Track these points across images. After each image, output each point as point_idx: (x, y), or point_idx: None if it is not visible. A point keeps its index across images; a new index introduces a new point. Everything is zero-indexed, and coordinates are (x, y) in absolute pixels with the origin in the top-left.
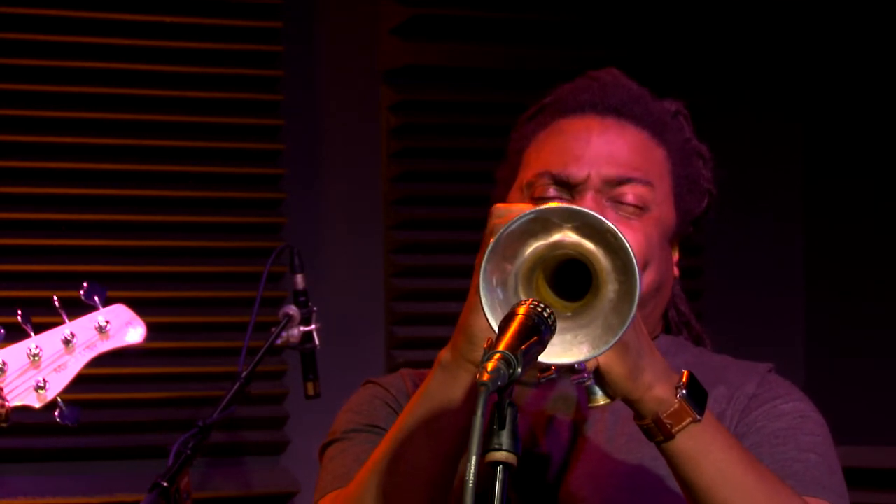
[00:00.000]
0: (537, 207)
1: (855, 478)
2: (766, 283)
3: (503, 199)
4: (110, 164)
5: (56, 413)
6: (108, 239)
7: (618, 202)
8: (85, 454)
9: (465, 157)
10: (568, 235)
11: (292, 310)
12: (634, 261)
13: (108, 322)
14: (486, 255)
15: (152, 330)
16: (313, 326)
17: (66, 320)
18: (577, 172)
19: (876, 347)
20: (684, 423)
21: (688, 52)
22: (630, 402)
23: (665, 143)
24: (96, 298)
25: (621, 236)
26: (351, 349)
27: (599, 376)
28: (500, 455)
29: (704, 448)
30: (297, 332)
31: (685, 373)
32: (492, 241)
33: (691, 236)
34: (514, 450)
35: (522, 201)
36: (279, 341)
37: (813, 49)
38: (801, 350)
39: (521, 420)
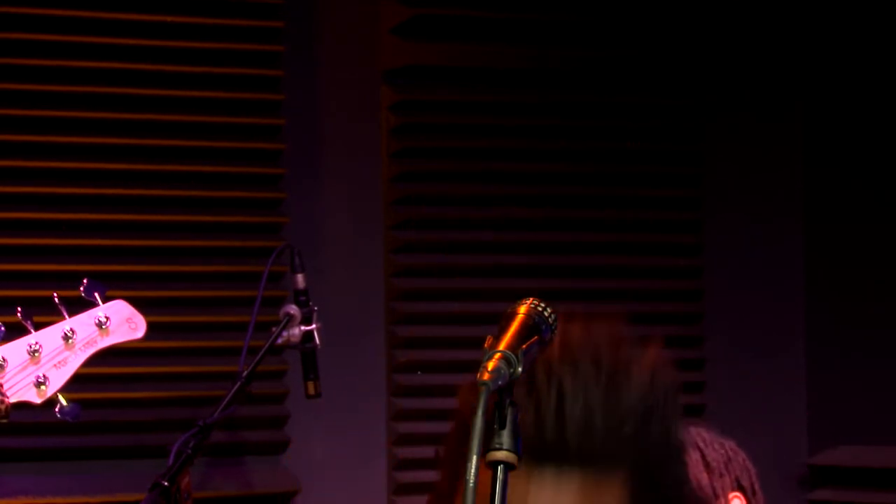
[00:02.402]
0: None
1: (855, 478)
2: (766, 283)
3: None
4: (110, 164)
5: (56, 409)
6: (108, 239)
7: None
8: (85, 454)
9: (466, 156)
10: None
11: (293, 309)
12: None
13: (108, 318)
14: None
15: (152, 329)
16: (314, 326)
17: (67, 317)
18: None
19: (876, 347)
20: None
21: (688, 52)
22: None
23: (628, 469)
24: (96, 295)
25: None
26: (351, 349)
27: None
28: (501, 454)
29: None
30: (297, 331)
31: None
32: None
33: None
34: (514, 449)
35: None
36: (280, 341)
37: (813, 49)
38: (802, 350)
39: None
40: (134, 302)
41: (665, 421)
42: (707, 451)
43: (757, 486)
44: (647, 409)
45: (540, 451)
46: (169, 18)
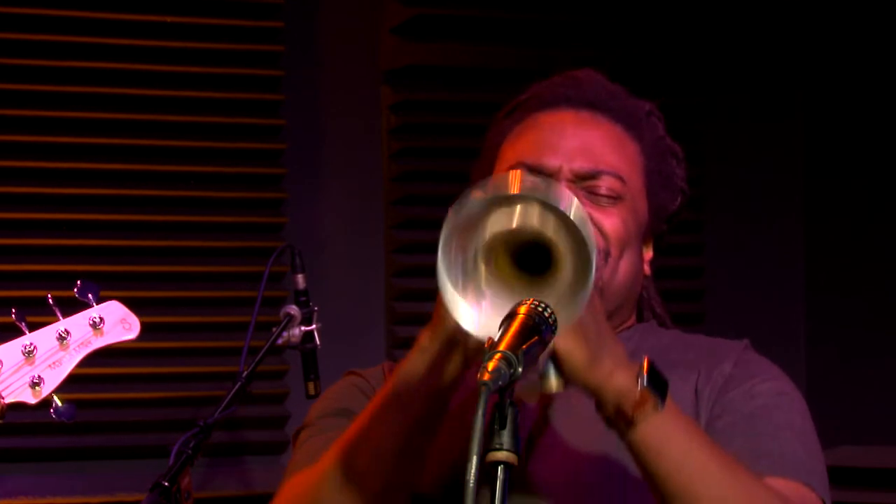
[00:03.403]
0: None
1: (855, 478)
2: (767, 282)
3: None
4: (110, 164)
5: (52, 409)
6: (108, 239)
7: (591, 192)
8: (85, 454)
9: (466, 157)
10: (529, 216)
11: (293, 309)
12: (592, 244)
13: (102, 318)
14: (448, 225)
15: (152, 330)
16: (314, 326)
17: (61, 317)
18: (550, 163)
19: (876, 348)
20: (646, 412)
21: (688, 53)
22: (589, 390)
23: (639, 138)
24: (90, 296)
25: (580, 220)
26: (351, 349)
27: (557, 362)
28: (501, 455)
29: (666, 436)
30: (297, 331)
31: (645, 360)
32: (452, 212)
33: (665, 237)
34: (514, 449)
35: None
36: (280, 341)
37: (813, 49)
38: (802, 350)
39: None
40: (134, 302)
41: (666, 133)
42: None
43: None
44: (649, 111)
45: (577, 101)
46: (169, 19)
